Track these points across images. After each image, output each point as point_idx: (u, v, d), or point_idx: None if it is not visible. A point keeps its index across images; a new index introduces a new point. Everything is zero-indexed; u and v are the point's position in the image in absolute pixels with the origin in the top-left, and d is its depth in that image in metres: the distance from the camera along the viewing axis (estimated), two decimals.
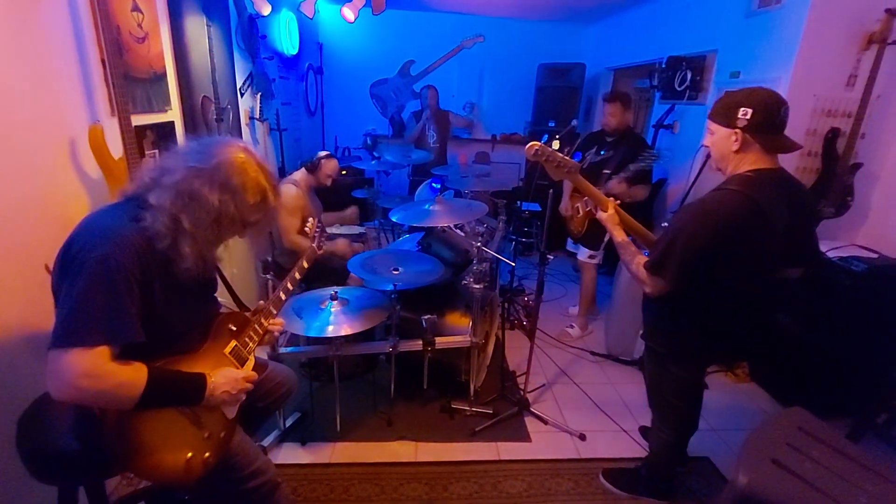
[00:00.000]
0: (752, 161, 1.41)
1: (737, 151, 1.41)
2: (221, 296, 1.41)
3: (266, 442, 2.08)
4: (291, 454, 2.10)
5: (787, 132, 1.42)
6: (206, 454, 1.16)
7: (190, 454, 1.12)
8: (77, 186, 1.64)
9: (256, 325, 1.39)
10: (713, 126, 1.47)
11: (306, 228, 1.84)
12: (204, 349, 1.22)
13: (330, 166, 2.82)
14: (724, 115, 1.42)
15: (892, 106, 2.55)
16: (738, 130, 1.38)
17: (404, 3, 4.86)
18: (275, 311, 1.46)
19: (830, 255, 2.45)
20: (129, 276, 1.00)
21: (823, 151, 2.58)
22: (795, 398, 1.89)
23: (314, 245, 1.83)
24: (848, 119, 2.51)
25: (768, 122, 1.36)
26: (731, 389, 2.74)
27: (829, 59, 2.50)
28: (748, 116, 1.36)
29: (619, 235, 1.66)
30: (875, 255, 2.45)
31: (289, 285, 1.56)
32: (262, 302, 1.47)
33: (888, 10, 2.30)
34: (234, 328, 1.32)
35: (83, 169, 1.65)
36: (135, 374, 1.01)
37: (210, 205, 1.07)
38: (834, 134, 2.53)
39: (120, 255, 0.99)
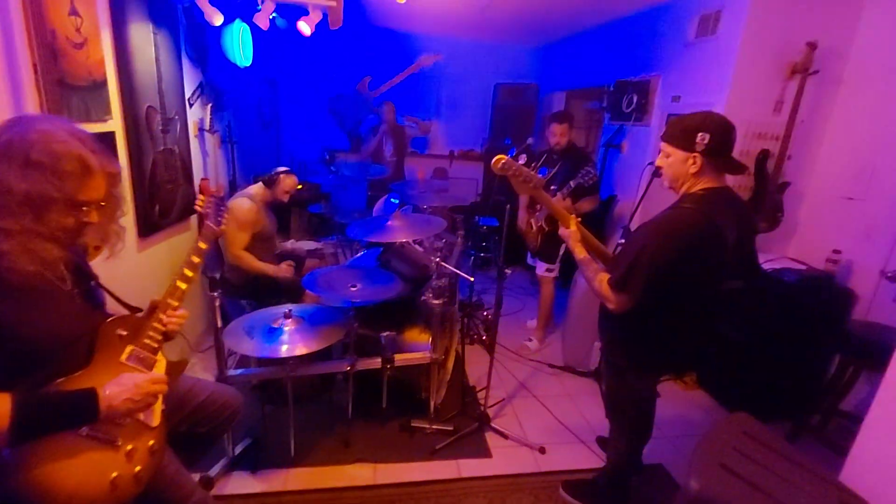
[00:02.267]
0: (707, 181, 1.48)
1: (694, 174, 1.47)
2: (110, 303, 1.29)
3: (213, 471, 1.95)
4: (241, 483, 1.99)
5: None
6: (137, 468, 1.08)
7: (115, 473, 1.04)
8: None
9: (156, 323, 1.25)
10: (669, 149, 1.51)
11: (196, 206, 1.60)
12: (94, 363, 1.11)
13: (288, 183, 2.74)
14: (681, 138, 1.47)
15: (814, 130, 2.79)
16: (696, 154, 1.44)
17: (362, 20, 4.88)
18: (175, 304, 1.30)
19: (765, 266, 2.62)
20: None
21: (756, 171, 2.78)
22: (740, 403, 1.99)
23: (211, 223, 1.54)
24: (776, 141, 2.73)
25: (723, 145, 1.44)
26: (681, 397, 2.85)
27: (759, 85, 2.71)
28: (706, 141, 1.42)
29: (581, 253, 1.68)
30: (804, 267, 2.65)
31: (186, 271, 1.35)
32: (154, 298, 1.31)
33: (808, 44, 2.53)
34: (125, 332, 1.20)
35: None
36: None
37: (14, 188, 0.93)
38: (764, 155, 2.74)
39: None
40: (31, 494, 0.95)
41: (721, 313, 1.77)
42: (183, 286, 1.32)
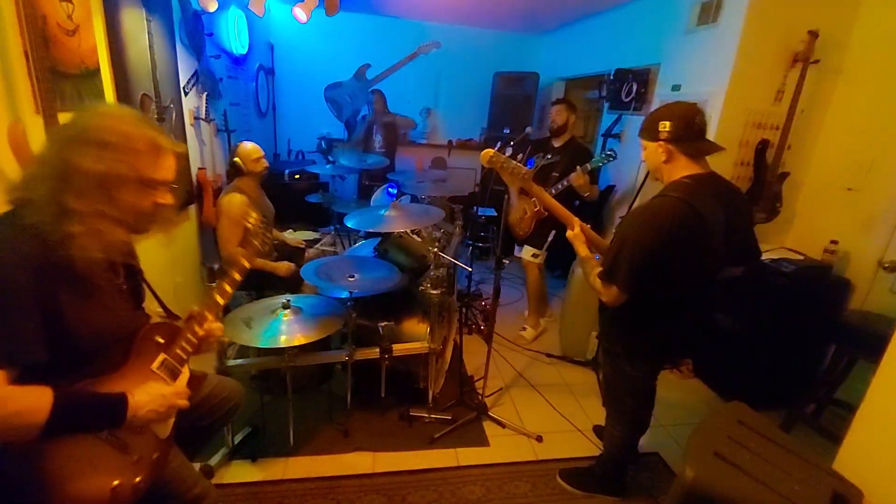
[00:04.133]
0: (683, 167, 1.51)
1: (665, 161, 1.52)
2: (150, 305, 1.30)
3: (213, 460, 1.96)
4: (241, 472, 2.00)
5: (722, 142, 1.53)
6: (137, 479, 1.07)
7: (116, 482, 1.02)
8: None
9: (189, 335, 1.25)
10: (643, 142, 1.59)
11: (249, 224, 1.63)
12: (127, 367, 1.11)
13: (248, 150, 2.52)
14: (648, 130, 1.55)
15: (814, 120, 2.78)
16: (661, 143, 1.50)
17: (360, 6, 4.81)
18: (211, 316, 1.30)
19: (763, 257, 2.63)
20: (25, 291, 0.91)
21: (755, 161, 2.77)
22: (735, 392, 2.01)
23: (256, 243, 1.55)
24: (776, 131, 2.71)
25: (686, 130, 1.48)
26: (676, 386, 2.87)
27: (760, 74, 2.69)
28: (667, 129, 1.48)
29: (584, 252, 1.72)
30: (802, 257, 2.66)
31: (227, 287, 1.37)
32: (195, 307, 1.31)
33: (810, 32, 2.51)
34: (163, 340, 1.20)
35: (1, 170, 1.50)
36: (36, 400, 0.91)
37: (90, 169, 0.95)
38: (764, 145, 2.73)
39: (13, 268, 0.90)
40: (34, 489, 0.95)
41: (716, 302, 1.79)
42: (221, 301, 1.33)
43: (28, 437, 0.90)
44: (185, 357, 1.24)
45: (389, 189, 3.72)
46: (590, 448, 2.28)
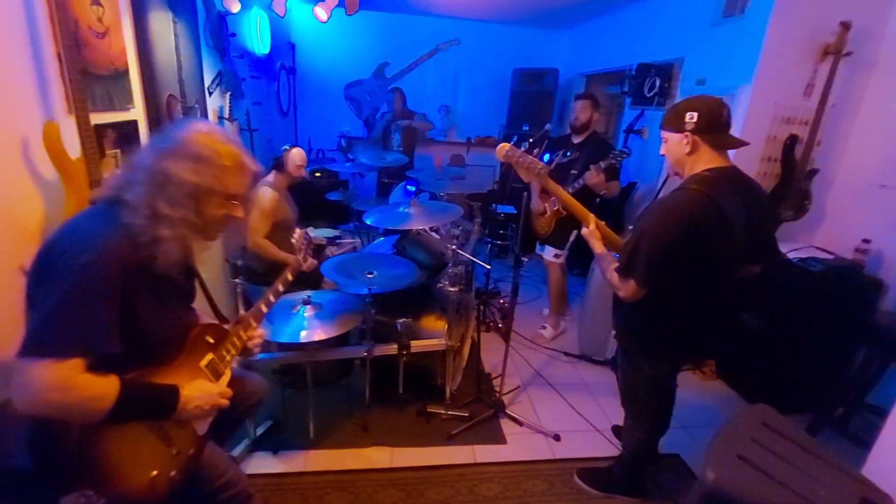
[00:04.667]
0: (706, 161, 1.48)
1: (689, 153, 1.48)
2: (199, 305, 1.35)
3: (236, 451, 2.02)
4: (263, 463, 2.05)
5: (748, 138, 1.51)
6: (172, 472, 1.11)
7: (155, 472, 1.07)
8: (30, 188, 1.55)
9: (235, 338, 1.33)
10: (665, 134, 1.55)
11: (293, 240, 1.77)
12: (178, 362, 1.16)
13: (295, 154, 2.65)
14: (673, 122, 1.51)
15: (845, 115, 2.68)
16: (687, 133, 1.46)
17: (378, 5, 4.83)
18: (255, 324, 1.41)
19: (790, 255, 2.55)
20: (112, 285, 0.96)
21: (782, 157, 2.69)
22: (760, 395, 1.96)
23: (300, 258, 1.76)
24: (805, 127, 2.63)
25: (713, 121, 1.45)
26: (699, 387, 2.82)
27: (789, 68, 2.61)
28: (694, 119, 1.44)
29: (599, 248, 1.71)
30: (831, 257, 2.57)
31: (271, 297, 1.50)
32: (242, 312, 1.41)
33: (842, 24, 2.42)
34: (212, 340, 1.27)
35: (37, 170, 1.56)
36: (107, 387, 0.96)
37: (185, 180, 1.02)
38: (792, 141, 2.65)
39: (105, 263, 0.95)
40: (83, 470, 1.00)
41: (742, 301, 1.74)
42: (265, 310, 1.45)
43: (93, 420, 0.96)
44: (229, 359, 1.30)
45: (408, 186, 3.74)
46: (608, 448, 2.26)
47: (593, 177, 2.69)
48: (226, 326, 1.36)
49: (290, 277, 1.62)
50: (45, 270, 0.96)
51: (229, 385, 1.28)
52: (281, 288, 1.56)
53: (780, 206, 2.67)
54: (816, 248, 2.69)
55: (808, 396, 2.43)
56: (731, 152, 1.52)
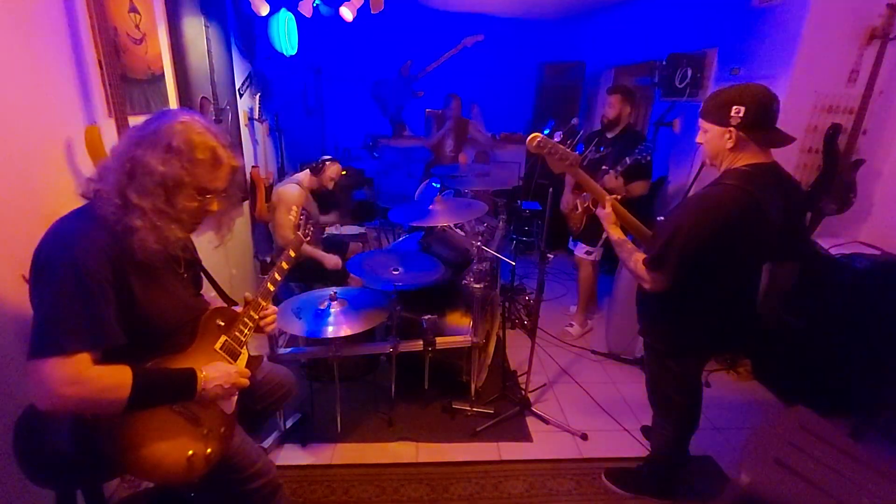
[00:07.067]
0: (749, 157, 1.41)
1: (731, 149, 1.41)
2: (208, 292, 1.40)
3: (266, 443, 2.08)
4: (292, 455, 2.10)
5: (786, 129, 1.41)
6: (208, 450, 1.16)
7: (191, 451, 1.12)
8: (73, 189, 1.63)
9: (246, 318, 1.35)
10: (706, 125, 1.47)
11: (290, 216, 1.79)
12: (193, 348, 1.20)
13: (333, 169, 2.87)
14: (716, 113, 1.42)
15: (894, 102, 2.53)
16: (731, 129, 1.39)
17: (403, 2, 4.85)
18: (264, 303, 1.42)
19: (833, 251, 2.43)
20: (100, 278, 0.98)
21: (824, 148, 2.56)
22: (798, 396, 1.88)
23: (299, 233, 1.78)
24: (849, 115, 2.49)
25: (761, 118, 1.37)
26: (733, 388, 2.72)
27: (831, 54, 2.48)
28: (741, 114, 1.36)
29: (615, 233, 1.65)
30: (878, 252, 2.44)
31: (276, 275, 1.51)
32: (248, 294, 1.41)
33: (890, 5, 2.28)
34: (223, 323, 1.30)
35: (80, 171, 1.64)
36: (119, 377, 1.00)
37: (153, 170, 1.02)
38: (835, 130, 2.51)
39: (87, 259, 0.98)
40: (121, 456, 1.04)
41: (783, 300, 1.67)
42: (272, 288, 1.47)
43: (116, 411, 1.00)
44: (243, 339, 1.33)
45: (433, 183, 3.75)
46: (637, 449, 2.21)
47: (611, 180, 2.63)
48: (235, 308, 1.39)
49: (292, 254, 1.61)
50: (35, 274, 0.99)
51: (248, 366, 1.31)
52: (285, 265, 1.56)
53: (821, 200, 2.54)
54: (862, 243, 2.55)
55: (850, 399, 2.31)
56: None
